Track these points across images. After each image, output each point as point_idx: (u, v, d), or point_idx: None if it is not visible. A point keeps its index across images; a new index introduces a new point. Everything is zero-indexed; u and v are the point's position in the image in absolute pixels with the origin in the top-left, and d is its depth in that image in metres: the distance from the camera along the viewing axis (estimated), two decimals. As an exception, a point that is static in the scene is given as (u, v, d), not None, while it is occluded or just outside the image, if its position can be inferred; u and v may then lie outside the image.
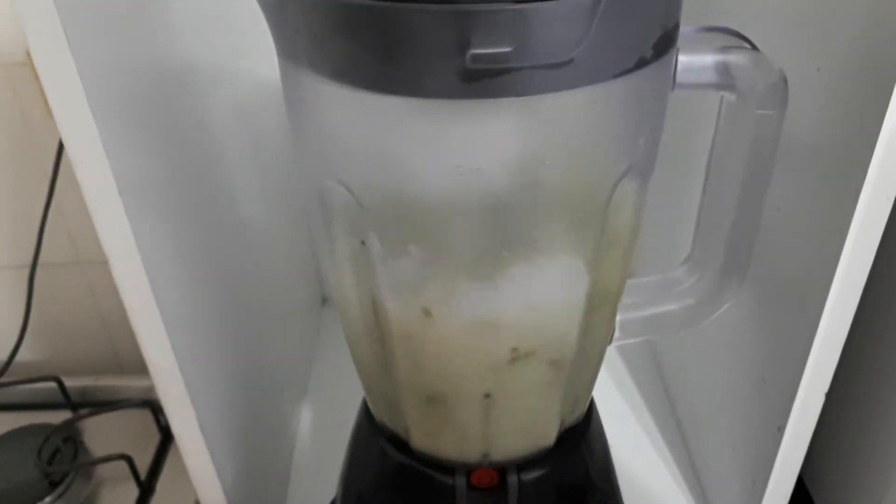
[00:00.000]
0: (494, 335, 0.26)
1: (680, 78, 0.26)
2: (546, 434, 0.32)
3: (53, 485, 0.53)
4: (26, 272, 0.70)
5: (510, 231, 0.24)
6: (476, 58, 0.20)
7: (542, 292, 0.26)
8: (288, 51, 0.24)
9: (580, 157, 0.23)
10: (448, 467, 0.32)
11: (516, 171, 0.23)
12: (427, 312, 0.25)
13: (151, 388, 0.63)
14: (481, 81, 0.20)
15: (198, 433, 0.37)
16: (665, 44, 0.23)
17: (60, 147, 0.55)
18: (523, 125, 0.22)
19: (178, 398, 0.36)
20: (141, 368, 0.75)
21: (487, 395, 0.29)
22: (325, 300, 0.71)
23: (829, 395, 0.36)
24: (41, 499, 0.53)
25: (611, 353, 0.63)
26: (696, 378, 0.52)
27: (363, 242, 0.26)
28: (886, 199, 0.30)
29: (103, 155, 0.29)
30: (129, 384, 0.63)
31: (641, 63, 0.22)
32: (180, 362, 0.35)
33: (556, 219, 0.24)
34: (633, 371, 0.62)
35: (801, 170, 0.35)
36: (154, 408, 0.59)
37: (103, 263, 0.74)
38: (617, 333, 0.33)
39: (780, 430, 0.38)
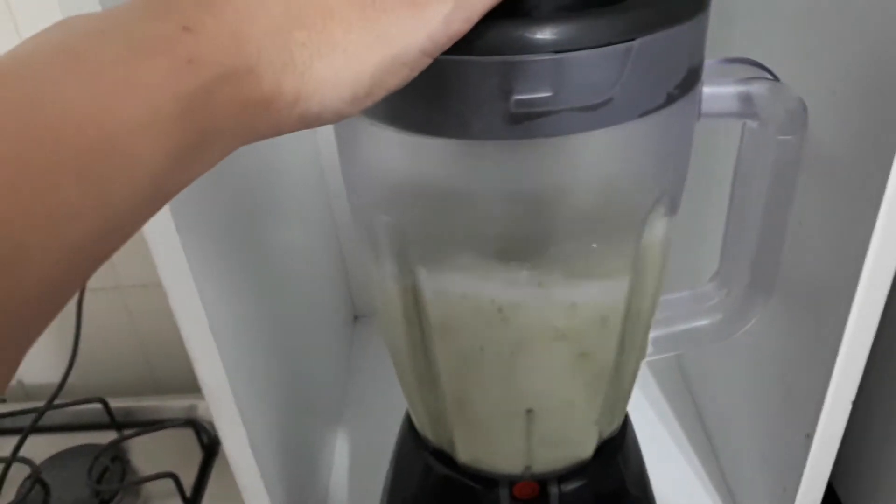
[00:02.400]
0: (537, 345, 0.28)
1: (704, 108, 0.28)
2: (585, 446, 0.33)
3: (104, 502, 0.56)
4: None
5: (551, 254, 0.25)
6: (519, 103, 0.21)
7: (579, 310, 0.27)
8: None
9: (615, 188, 0.25)
10: (491, 480, 0.34)
11: (555, 201, 0.24)
12: (469, 325, 0.27)
13: (192, 408, 0.65)
14: (523, 124, 0.22)
15: (248, 451, 0.39)
16: (691, 81, 0.25)
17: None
18: (562, 161, 0.24)
19: (229, 418, 0.37)
20: (178, 388, 0.77)
21: (529, 411, 0.31)
22: (356, 317, 0.73)
23: (855, 403, 0.38)
24: (92, 517, 0.55)
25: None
26: (723, 388, 0.53)
27: (411, 270, 0.28)
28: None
29: None
30: (169, 404, 0.66)
31: (670, 100, 0.24)
32: (231, 383, 0.36)
33: (594, 243, 0.26)
34: (660, 382, 0.63)
35: (823, 184, 0.36)
36: (196, 426, 0.61)
37: (141, 287, 0.77)
38: (650, 349, 0.34)
39: (809, 437, 0.39)
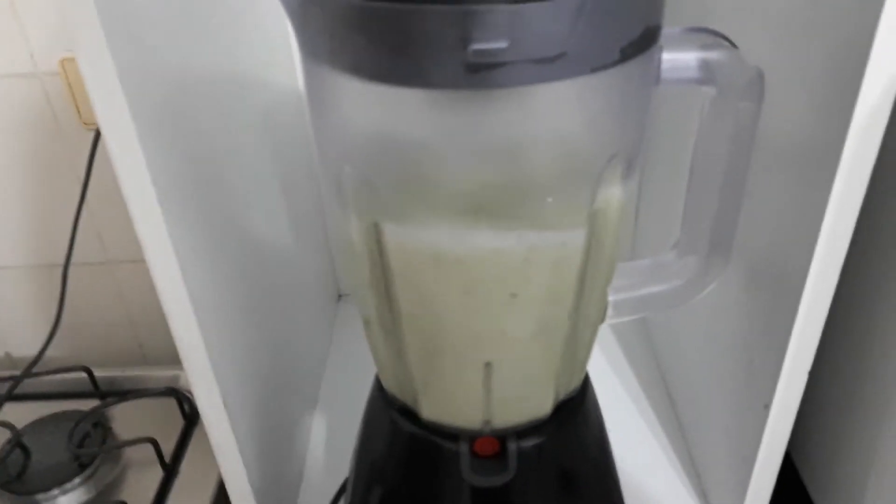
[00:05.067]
0: (494, 297, 0.29)
1: (664, 74, 0.29)
2: (542, 404, 0.34)
3: (83, 466, 0.57)
4: (57, 271, 0.74)
5: (508, 206, 0.27)
6: (476, 53, 0.23)
7: (534, 263, 0.28)
8: (310, 50, 0.27)
9: (570, 143, 0.26)
10: (453, 435, 0.35)
11: (511, 153, 0.25)
12: (431, 275, 0.28)
13: (176, 378, 0.66)
14: (481, 73, 0.23)
15: (222, 410, 0.40)
16: (646, 41, 0.26)
17: (92, 152, 0.58)
18: (518, 112, 0.25)
19: (203, 374, 0.38)
20: (165, 360, 0.79)
21: (488, 364, 0.32)
22: (340, 296, 0.74)
23: (811, 374, 0.39)
24: (70, 479, 0.56)
25: (607, 335, 0.66)
26: (689, 362, 0.55)
27: (376, 224, 0.29)
28: (859, 185, 0.33)
29: (140, 151, 0.31)
30: (154, 374, 0.67)
31: (624, 58, 0.25)
32: (211, 357, 0.37)
33: (550, 198, 0.27)
34: (629, 355, 0.65)
35: (781, 161, 0.37)
36: (178, 396, 0.62)
37: (130, 263, 0.78)
38: (610, 311, 0.35)
39: (767, 407, 0.40)
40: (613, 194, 0.29)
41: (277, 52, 0.57)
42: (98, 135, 0.58)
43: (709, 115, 0.31)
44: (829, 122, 0.32)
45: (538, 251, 0.28)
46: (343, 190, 0.29)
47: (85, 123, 0.65)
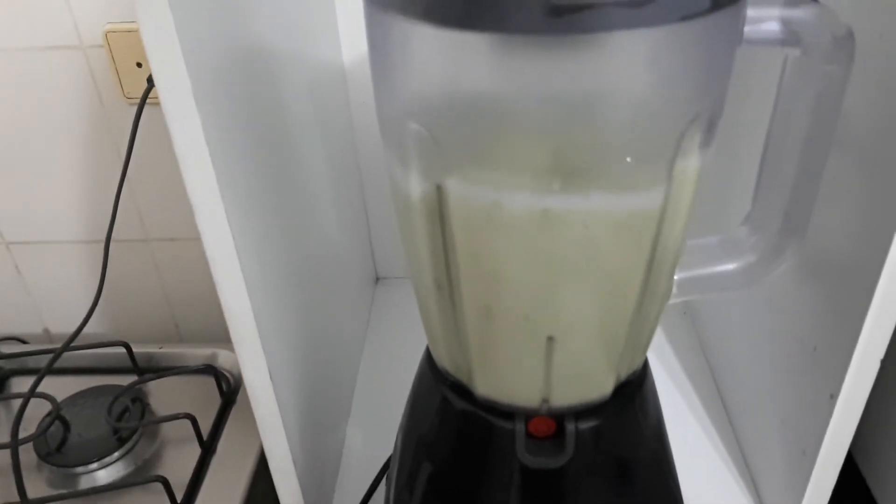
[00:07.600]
0: (563, 263, 0.27)
1: (746, 34, 0.27)
2: (604, 383, 0.33)
3: (122, 441, 0.56)
4: (94, 248, 0.74)
5: (584, 165, 0.25)
6: (561, -6, 0.21)
7: (607, 228, 0.27)
8: (377, -3, 0.25)
9: (651, 97, 0.25)
10: (508, 414, 0.33)
11: (591, 107, 0.24)
12: (497, 240, 0.27)
13: (213, 356, 0.66)
14: (565, 17, 0.22)
15: (268, 383, 0.39)
16: (736, -10, 0.24)
17: (135, 128, 0.57)
18: (600, 62, 0.23)
19: (251, 346, 0.37)
20: (200, 339, 0.78)
21: (550, 338, 0.30)
22: (378, 279, 0.73)
23: (883, 363, 0.37)
24: (110, 454, 0.55)
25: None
26: (741, 352, 0.53)
27: (440, 187, 0.28)
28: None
29: (197, 118, 0.30)
30: (191, 352, 0.66)
31: (714, 6, 0.23)
32: (255, 313, 0.36)
33: (628, 157, 0.25)
34: (671, 339, 0.63)
35: (860, 138, 0.35)
36: (216, 373, 0.61)
37: (168, 241, 0.78)
38: (674, 290, 0.34)
39: (833, 397, 0.38)
40: (692, 161, 0.27)
41: (321, 27, 0.56)
42: (140, 111, 0.58)
43: (790, 78, 0.29)
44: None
45: (611, 216, 0.26)
46: (406, 151, 0.28)
47: (127, 98, 0.64)
